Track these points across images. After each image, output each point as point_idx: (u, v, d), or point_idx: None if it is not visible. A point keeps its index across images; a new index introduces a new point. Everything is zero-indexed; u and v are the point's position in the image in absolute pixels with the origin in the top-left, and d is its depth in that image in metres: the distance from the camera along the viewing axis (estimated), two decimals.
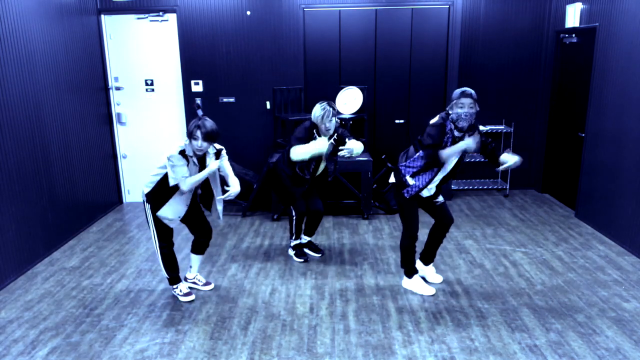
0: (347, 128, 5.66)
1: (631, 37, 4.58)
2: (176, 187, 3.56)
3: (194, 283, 4.05)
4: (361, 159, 5.57)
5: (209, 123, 3.44)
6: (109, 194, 6.12)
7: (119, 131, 6.27)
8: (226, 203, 5.35)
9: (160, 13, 5.95)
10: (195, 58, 5.99)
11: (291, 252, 4.68)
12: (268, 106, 6.13)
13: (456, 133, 3.50)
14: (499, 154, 3.60)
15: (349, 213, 5.89)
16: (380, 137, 6.30)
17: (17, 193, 4.28)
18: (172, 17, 5.96)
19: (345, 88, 5.77)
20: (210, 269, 4.44)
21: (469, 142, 3.42)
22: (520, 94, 6.51)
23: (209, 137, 3.43)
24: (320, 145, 4.14)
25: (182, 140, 3.57)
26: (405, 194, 3.71)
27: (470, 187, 6.67)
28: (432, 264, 4.15)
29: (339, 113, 4.16)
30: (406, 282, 4.01)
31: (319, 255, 4.68)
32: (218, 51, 5.98)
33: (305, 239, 4.72)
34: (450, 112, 3.47)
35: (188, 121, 6.05)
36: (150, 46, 6.05)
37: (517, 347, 3.20)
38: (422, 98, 6.18)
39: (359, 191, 5.73)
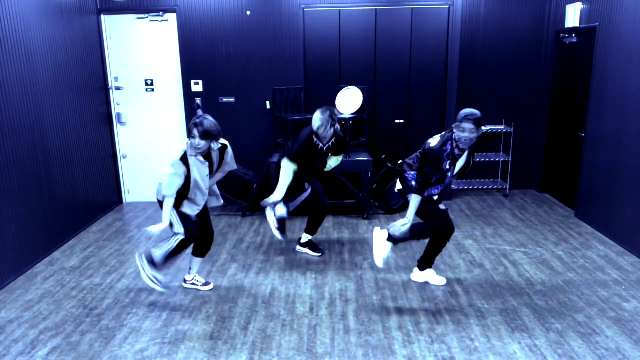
0: (347, 128, 5.65)
1: (631, 37, 4.58)
2: (187, 193, 3.57)
3: (193, 284, 4.05)
4: (361, 159, 5.57)
5: (207, 122, 3.44)
6: (109, 194, 6.12)
7: (119, 131, 6.27)
8: (226, 203, 5.35)
9: (160, 13, 5.95)
10: (195, 58, 5.99)
11: (303, 249, 4.74)
12: (268, 106, 6.13)
13: (456, 152, 3.55)
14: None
15: (349, 213, 5.89)
16: (380, 137, 6.30)
17: (17, 193, 4.28)
18: (172, 17, 5.96)
19: (345, 88, 5.77)
20: (210, 269, 4.44)
21: None
22: (520, 94, 6.51)
23: (206, 136, 3.43)
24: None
25: (183, 142, 3.58)
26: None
27: (470, 187, 6.67)
28: (430, 268, 4.11)
29: (335, 122, 4.26)
30: (380, 237, 3.83)
31: (319, 254, 4.68)
32: (218, 51, 5.98)
33: (306, 237, 4.73)
34: (454, 130, 3.50)
35: (188, 121, 6.04)
36: (150, 46, 6.05)
37: (517, 347, 3.20)
38: (422, 98, 6.18)
39: (359, 191, 5.73)
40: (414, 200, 3.62)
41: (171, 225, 3.62)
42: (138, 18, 5.97)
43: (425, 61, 6.06)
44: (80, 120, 5.43)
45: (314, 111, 4.27)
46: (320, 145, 4.36)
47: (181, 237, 3.62)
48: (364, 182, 5.61)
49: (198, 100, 6.09)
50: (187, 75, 6.04)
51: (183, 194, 3.61)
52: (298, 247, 4.80)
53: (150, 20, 5.98)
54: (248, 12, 5.87)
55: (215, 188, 3.95)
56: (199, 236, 3.85)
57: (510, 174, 6.65)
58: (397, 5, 5.89)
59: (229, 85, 6.09)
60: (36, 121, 4.60)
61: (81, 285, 4.16)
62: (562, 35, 6.06)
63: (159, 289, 3.68)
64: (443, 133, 3.64)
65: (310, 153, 4.35)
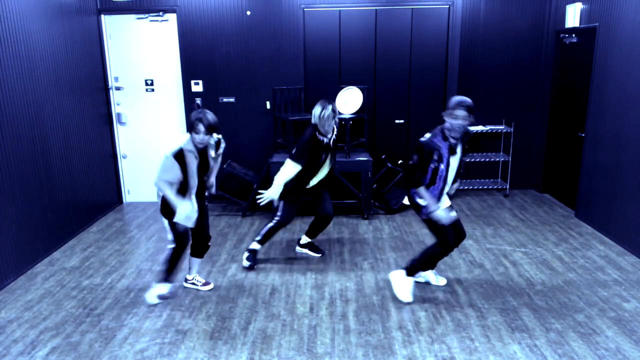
0: (347, 128, 5.65)
1: (631, 37, 4.58)
2: (184, 190, 3.58)
3: (193, 284, 4.05)
4: (361, 159, 5.57)
5: (210, 115, 3.49)
6: (109, 194, 6.12)
7: (119, 131, 6.28)
8: (226, 203, 5.35)
9: (160, 13, 5.95)
10: (195, 58, 5.99)
11: (303, 250, 4.75)
12: (268, 106, 6.13)
13: (452, 140, 3.51)
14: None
15: (349, 213, 5.89)
16: (380, 137, 6.30)
17: (17, 193, 4.28)
18: (172, 17, 5.96)
19: (345, 88, 5.77)
20: (210, 269, 4.44)
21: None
22: (520, 94, 6.51)
23: (211, 129, 3.47)
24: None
25: (182, 136, 3.56)
26: (423, 216, 3.70)
27: (470, 187, 6.67)
28: (432, 269, 4.09)
29: (338, 113, 4.22)
30: (399, 277, 3.85)
31: (319, 255, 4.68)
32: (218, 51, 5.98)
33: (306, 239, 4.73)
34: (445, 119, 3.47)
35: (188, 121, 6.05)
36: (150, 46, 6.05)
37: (517, 347, 3.20)
38: (422, 98, 6.18)
39: (359, 191, 5.73)
40: (425, 193, 3.60)
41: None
42: (138, 18, 5.97)
43: (425, 61, 6.06)
44: (80, 120, 5.44)
45: None
46: (325, 140, 4.26)
47: (172, 245, 3.69)
48: (364, 182, 5.61)
49: (198, 100, 6.09)
50: (187, 75, 6.05)
51: (181, 190, 3.61)
52: (298, 249, 4.80)
53: (150, 20, 5.98)
54: (248, 12, 5.87)
55: (213, 180, 3.93)
56: (194, 240, 3.90)
57: (510, 174, 6.65)
58: (397, 5, 5.89)
59: (229, 85, 6.09)
60: (36, 121, 4.60)
61: (81, 285, 4.16)
62: (562, 35, 6.06)
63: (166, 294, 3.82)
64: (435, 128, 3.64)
65: (316, 150, 4.21)
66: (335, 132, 4.40)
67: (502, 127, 6.50)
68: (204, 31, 5.92)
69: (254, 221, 5.71)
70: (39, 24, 4.68)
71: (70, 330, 3.46)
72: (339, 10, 5.90)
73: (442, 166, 3.54)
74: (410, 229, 5.35)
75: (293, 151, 4.18)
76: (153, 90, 6.16)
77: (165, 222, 3.66)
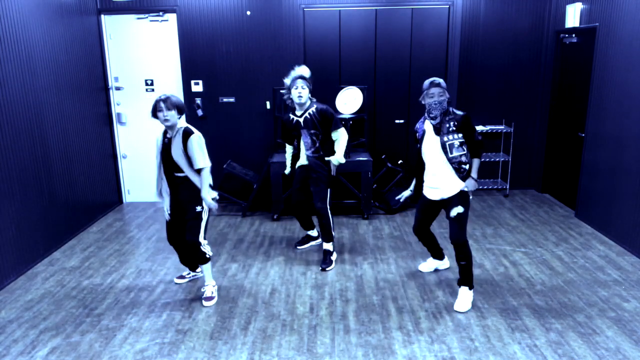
0: (347, 128, 5.65)
1: (631, 37, 4.58)
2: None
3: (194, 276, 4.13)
4: (361, 159, 5.57)
5: (171, 95, 3.53)
6: (109, 194, 6.12)
7: (119, 131, 6.28)
8: (226, 203, 5.35)
9: (160, 13, 5.95)
10: (195, 58, 5.99)
11: (305, 245, 4.86)
12: (268, 106, 6.13)
13: (432, 122, 3.62)
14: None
15: (349, 213, 5.89)
16: (380, 137, 6.29)
17: (17, 193, 4.28)
18: (172, 17, 5.96)
19: (345, 88, 5.77)
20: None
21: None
22: (520, 94, 6.51)
23: (169, 103, 3.47)
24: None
25: (182, 123, 3.62)
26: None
27: None
28: (431, 258, 4.34)
29: (308, 83, 4.23)
30: (464, 293, 3.72)
31: (319, 240, 4.89)
32: (218, 51, 5.98)
33: (303, 233, 4.81)
34: (422, 102, 3.61)
35: (188, 121, 6.05)
36: (150, 46, 6.05)
37: (517, 347, 3.20)
38: None
39: (359, 191, 5.73)
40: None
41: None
42: (138, 18, 5.98)
43: (425, 61, 6.05)
44: (80, 120, 5.44)
45: None
46: (295, 118, 4.34)
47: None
48: (364, 182, 5.61)
49: (198, 100, 6.09)
50: (187, 75, 6.05)
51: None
52: (298, 247, 4.83)
53: (150, 20, 5.98)
54: (248, 12, 5.87)
55: (195, 178, 3.64)
56: (176, 248, 3.94)
57: (510, 174, 6.65)
58: (397, 5, 5.89)
59: (229, 85, 6.09)
60: (36, 121, 4.60)
61: (81, 285, 4.16)
62: (562, 35, 6.06)
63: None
64: None
65: (288, 127, 4.46)
66: (312, 114, 4.26)
67: (502, 127, 6.50)
68: (204, 31, 5.92)
69: (254, 221, 5.71)
70: (39, 24, 4.68)
71: (70, 330, 3.46)
72: (339, 10, 5.90)
73: (419, 146, 3.76)
74: (410, 229, 5.35)
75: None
76: (153, 90, 6.16)
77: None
